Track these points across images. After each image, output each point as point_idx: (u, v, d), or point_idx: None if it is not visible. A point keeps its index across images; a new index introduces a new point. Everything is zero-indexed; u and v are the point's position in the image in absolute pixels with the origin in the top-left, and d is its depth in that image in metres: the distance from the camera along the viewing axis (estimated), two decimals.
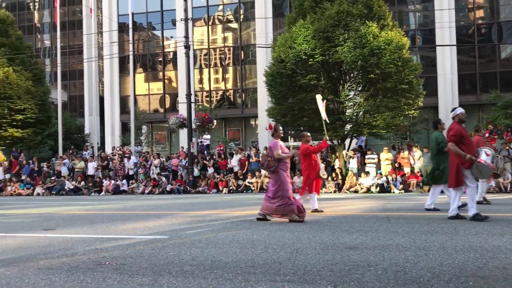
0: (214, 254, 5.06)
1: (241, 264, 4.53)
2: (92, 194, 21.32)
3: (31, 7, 55.16)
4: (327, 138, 9.94)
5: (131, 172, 22.36)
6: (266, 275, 4.08)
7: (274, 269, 4.26)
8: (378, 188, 18.46)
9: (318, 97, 10.77)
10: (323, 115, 10.65)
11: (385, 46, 20.15)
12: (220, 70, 40.83)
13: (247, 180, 19.81)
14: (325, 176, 14.96)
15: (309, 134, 9.83)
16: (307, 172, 9.44)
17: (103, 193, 21.15)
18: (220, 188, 19.93)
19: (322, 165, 11.53)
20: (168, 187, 20.51)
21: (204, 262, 4.65)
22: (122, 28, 40.61)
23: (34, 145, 31.46)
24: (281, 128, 8.37)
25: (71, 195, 21.21)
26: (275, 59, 22.22)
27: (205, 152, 24.02)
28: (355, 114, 21.63)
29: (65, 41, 41.43)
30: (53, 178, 23.26)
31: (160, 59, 42.04)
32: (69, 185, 22.12)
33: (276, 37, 32.04)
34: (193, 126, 23.63)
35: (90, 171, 22.90)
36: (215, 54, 40.87)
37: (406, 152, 20.24)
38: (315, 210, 9.32)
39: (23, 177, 23.68)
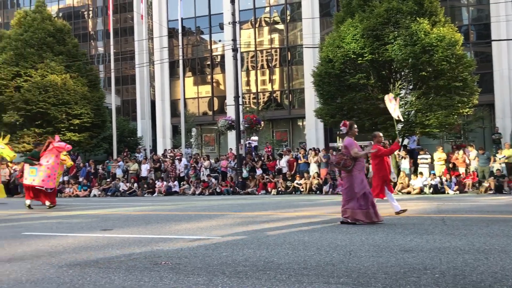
0: (266, 255, 5.09)
1: (293, 266, 4.53)
2: (146, 195, 21.93)
3: (86, 15, 57.51)
4: (399, 140, 9.56)
5: (182, 174, 22.84)
6: (319, 277, 4.06)
7: (328, 271, 4.24)
8: (431, 189, 17.91)
9: (387, 97, 10.22)
10: (395, 114, 10.06)
11: (437, 43, 19.55)
12: (267, 71, 40.96)
13: (295, 181, 19.76)
14: (395, 180, 14.51)
15: (381, 134, 9.49)
16: (379, 174, 9.14)
17: (156, 194, 21.72)
18: (269, 189, 19.99)
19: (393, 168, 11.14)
20: (218, 188, 20.80)
21: (257, 263, 4.69)
22: (172, 33, 41.59)
23: (90, 148, 32.79)
24: (355, 125, 8.11)
25: (126, 196, 21.92)
26: (323, 59, 22.06)
27: (253, 153, 24.17)
28: (406, 113, 21.10)
29: (117, 48, 42.92)
30: (108, 180, 24.13)
31: (208, 62, 42.71)
32: (123, 186, 22.86)
33: (323, 37, 31.80)
34: (241, 128, 23.85)
35: (143, 173, 23.58)
36: (261, 56, 41.05)
37: (461, 152, 19.52)
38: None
39: (80, 179, 24.71)
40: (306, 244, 5.71)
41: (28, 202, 12.71)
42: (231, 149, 25.66)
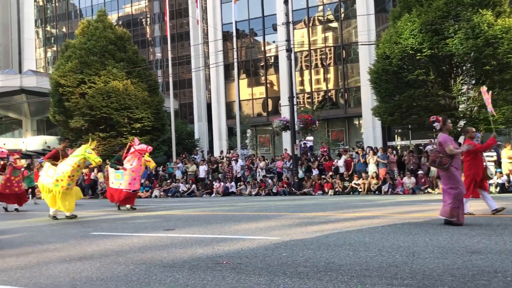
0: (327, 256, 5.06)
1: (355, 267, 4.48)
2: (204, 195, 22.39)
3: (144, 22, 59.54)
4: (495, 134, 9.01)
5: (238, 175, 23.12)
6: (382, 279, 3.99)
7: (391, 273, 4.16)
8: (498, 188, 17.04)
9: (483, 89, 9.81)
10: (489, 108, 9.66)
11: (502, 35, 18.59)
12: (321, 70, 40.65)
13: (353, 182, 19.46)
14: (493, 176, 13.85)
15: (473, 129, 9.04)
16: (473, 171, 8.64)
17: (213, 194, 22.11)
18: (326, 189, 19.81)
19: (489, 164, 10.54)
20: (274, 189, 20.86)
21: (317, 264, 4.68)
22: (226, 36, 42.23)
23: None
24: (449, 120, 7.73)
25: (185, 197, 22.48)
26: (379, 56, 21.59)
27: (309, 153, 24.04)
28: (469, 109, 20.23)
29: (174, 53, 44.15)
30: (168, 181, 24.84)
31: (262, 64, 42.99)
32: (182, 187, 23.46)
33: (379, 33, 31.13)
34: (296, 128, 23.79)
35: (201, 174, 24.09)
36: (315, 55, 40.79)
37: None
38: (468, 214, 8.45)
39: (142, 181, 25.58)
40: (367, 245, 5.62)
41: (126, 207, 13.06)
42: (285, 149, 25.67)
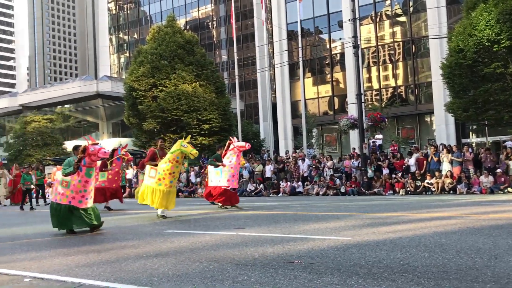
0: (401, 257, 4.92)
1: (432, 269, 4.32)
2: (271, 195, 22.51)
3: (210, 26, 60.91)
4: None
5: (305, 174, 23.00)
6: (462, 282, 3.82)
7: (471, 276, 3.97)
8: None
9: None
10: None
11: None
12: (390, 66, 39.52)
13: (426, 181, 18.72)
14: None
15: None
16: None
17: (280, 194, 22.16)
18: (397, 189, 19.21)
19: None
20: (342, 189, 20.54)
21: (391, 265, 4.56)
22: (291, 36, 42.22)
23: None
24: None
25: (252, 196, 22.71)
26: (452, 49, 20.62)
27: (378, 152, 23.43)
28: None
29: (240, 54, 44.80)
30: None
31: (328, 61, 42.51)
32: (250, 187, 23.73)
33: (451, 25, 29.76)
34: (365, 126, 23.28)
35: (267, 173, 24.21)
36: (383, 51, 39.73)
37: None
38: None
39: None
40: (444, 247, 5.40)
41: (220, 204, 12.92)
42: (353, 148, 25.20)
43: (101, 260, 5.62)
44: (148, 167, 10.88)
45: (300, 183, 22.29)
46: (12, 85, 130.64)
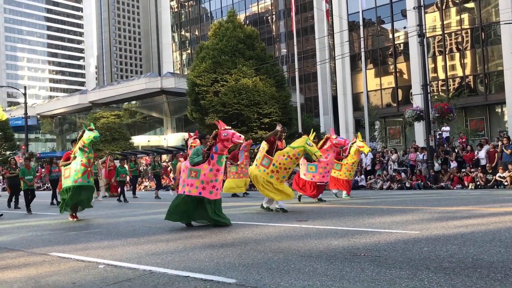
0: (474, 252, 4.71)
1: (509, 265, 4.10)
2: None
3: (269, 20, 60.95)
4: None
5: (368, 168, 22.50)
6: None
7: None
8: None
9: None
10: None
11: None
12: (457, 55, 37.71)
13: (498, 174, 17.73)
14: None
15: None
16: None
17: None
18: (466, 183, 18.35)
19: None
20: (407, 183, 19.91)
21: (464, 260, 4.37)
22: (352, 26, 41.35)
23: None
24: None
25: None
26: None
27: (445, 144, 22.47)
28: None
29: (299, 47, 44.43)
30: None
31: (391, 52, 41.26)
32: None
33: None
34: (431, 117, 22.39)
35: None
36: (450, 39, 37.96)
37: None
38: None
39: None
40: None
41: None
42: (414, 141, 24.30)
43: (170, 249, 5.81)
44: (262, 154, 9.94)
45: (363, 176, 21.84)
46: (82, 84, 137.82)
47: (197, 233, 7.12)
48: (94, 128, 9.92)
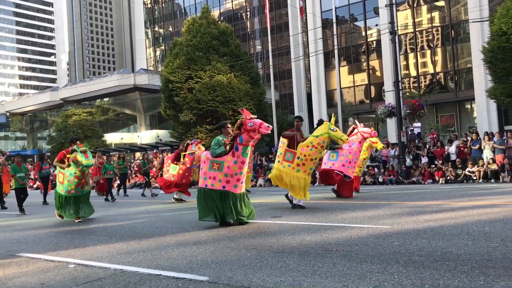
0: (443, 245, 4.81)
1: (475, 257, 4.20)
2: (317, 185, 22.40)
3: (244, 16, 60.81)
4: None
5: None
6: (508, 270, 3.71)
7: None
8: None
9: None
10: None
11: None
12: (428, 52, 38.44)
13: (467, 169, 18.19)
14: None
15: None
16: None
17: (316, 184, 22.04)
18: (436, 178, 18.75)
19: None
20: (380, 178, 20.23)
21: (433, 253, 4.46)
22: (325, 24, 41.64)
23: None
24: None
25: None
26: (495, 32, 19.90)
27: (417, 140, 22.91)
28: None
29: (274, 44, 44.49)
30: None
31: (363, 49, 41.74)
32: None
33: (493, 8, 28.64)
34: (403, 114, 22.78)
35: None
36: (421, 37, 38.66)
37: None
38: None
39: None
40: (488, 235, 5.24)
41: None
42: (385, 137, 24.70)
43: (142, 248, 5.75)
44: (283, 149, 9.38)
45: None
46: (53, 80, 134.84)
47: (170, 231, 7.07)
48: (87, 149, 9.22)
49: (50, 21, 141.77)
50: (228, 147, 7.17)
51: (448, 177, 18.37)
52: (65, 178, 9.31)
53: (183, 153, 12.84)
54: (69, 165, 9.29)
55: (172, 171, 12.92)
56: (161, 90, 34.83)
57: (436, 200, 9.73)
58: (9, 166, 18.84)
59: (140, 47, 73.00)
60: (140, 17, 72.01)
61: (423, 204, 9.10)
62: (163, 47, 68.91)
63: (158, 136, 48.21)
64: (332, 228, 6.46)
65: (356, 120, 13.02)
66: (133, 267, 4.63)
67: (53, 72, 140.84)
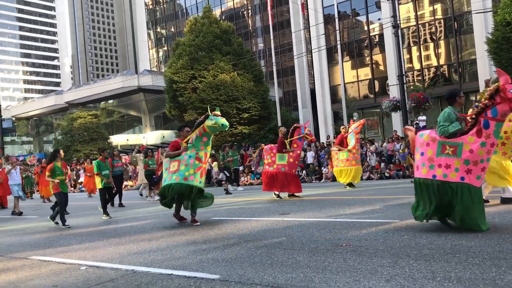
0: (453, 238, 4.80)
1: (486, 249, 4.20)
2: (313, 181, 22.39)
3: (245, 15, 60.78)
4: None
5: None
6: None
7: None
8: None
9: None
10: None
11: None
12: (431, 45, 38.24)
13: None
14: None
15: None
16: None
17: (323, 180, 22.01)
18: None
19: None
20: (386, 173, 20.17)
21: (443, 246, 4.46)
22: (327, 19, 41.53)
23: (258, 139, 34.80)
24: None
25: None
26: (498, 23, 19.79)
27: None
28: None
29: (276, 42, 44.42)
30: None
31: (366, 44, 41.60)
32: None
33: None
34: (408, 107, 22.70)
35: (309, 160, 24.09)
36: (424, 30, 38.46)
37: None
38: None
39: (253, 168, 26.27)
40: (498, 228, 5.23)
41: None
42: (395, 131, 24.62)
43: (152, 248, 5.77)
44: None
45: None
46: (57, 84, 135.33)
47: (179, 231, 7.09)
48: (220, 114, 7.59)
49: (53, 25, 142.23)
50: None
51: None
52: (180, 164, 7.52)
53: (289, 140, 11.35)
54: (186, 148, 7.63)
55: (279, 161, 11.29)
56: (165, 90, 34.89)
57: None
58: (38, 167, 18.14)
59: (142, 48, 73.17)
60: (142, 18, 72.15)
61: None
62: (165, 48, 69.00)
63: (163, 137, 48.32)
64: (341, 223, 6.46)
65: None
66: (144, 267, 4.66)
67: (57, 76, 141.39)
